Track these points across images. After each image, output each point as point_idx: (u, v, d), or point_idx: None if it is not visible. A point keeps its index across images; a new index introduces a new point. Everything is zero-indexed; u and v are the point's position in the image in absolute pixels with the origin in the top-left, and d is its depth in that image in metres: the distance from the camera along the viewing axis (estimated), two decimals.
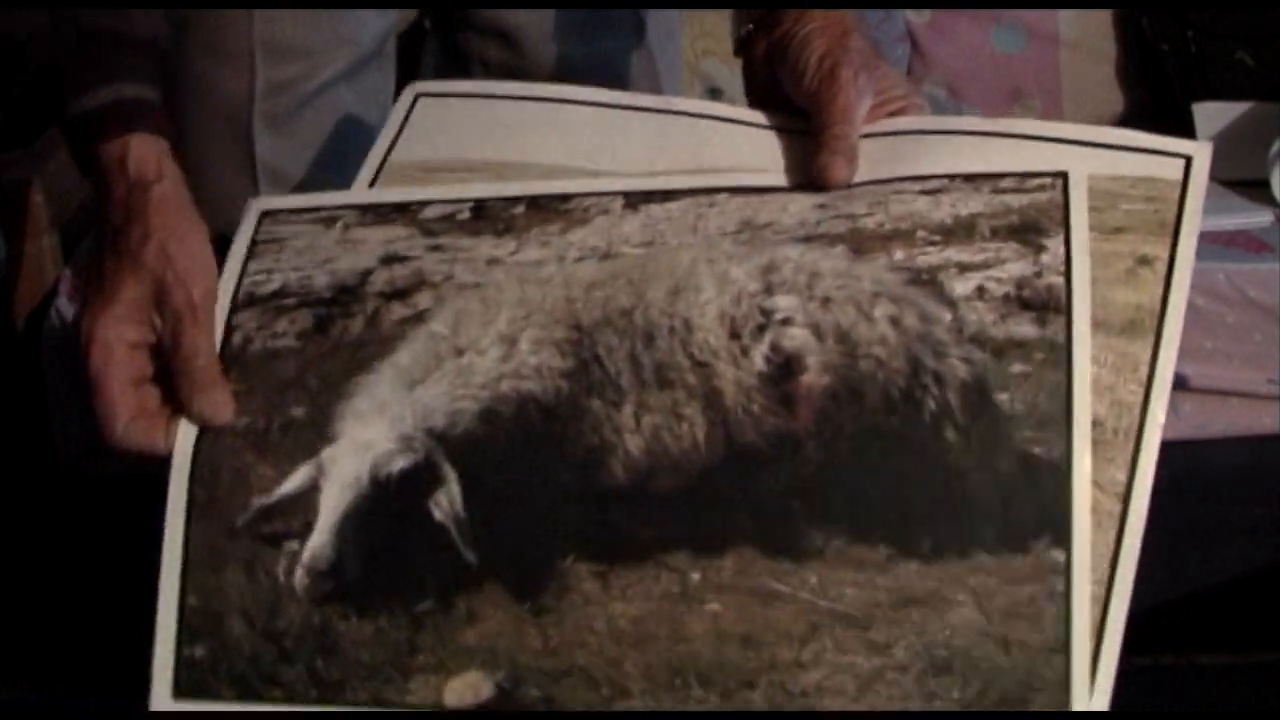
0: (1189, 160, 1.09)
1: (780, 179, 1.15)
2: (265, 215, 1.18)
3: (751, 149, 1.18)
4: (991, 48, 3.51)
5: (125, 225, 1.12)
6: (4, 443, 1.97)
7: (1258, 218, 2.88)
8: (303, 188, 1.58)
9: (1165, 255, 1.05)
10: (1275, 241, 2.80)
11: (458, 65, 1.74)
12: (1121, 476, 1.01)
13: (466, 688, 1.01)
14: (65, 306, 2.25)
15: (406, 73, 3.13)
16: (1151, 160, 1.09)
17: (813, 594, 1.01)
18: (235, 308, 1.13)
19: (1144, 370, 1.03)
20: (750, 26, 1.24)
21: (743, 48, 1.25)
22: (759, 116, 1.21)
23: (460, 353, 1.07)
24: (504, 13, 1.68)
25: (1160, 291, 1.04)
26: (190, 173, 1.61)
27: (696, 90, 3.36)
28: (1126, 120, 3.48)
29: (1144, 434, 1.02)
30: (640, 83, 1.71)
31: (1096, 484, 1.01)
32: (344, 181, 1.61)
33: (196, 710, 1.03)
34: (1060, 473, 1.01)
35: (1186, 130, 3.21)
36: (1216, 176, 3.18)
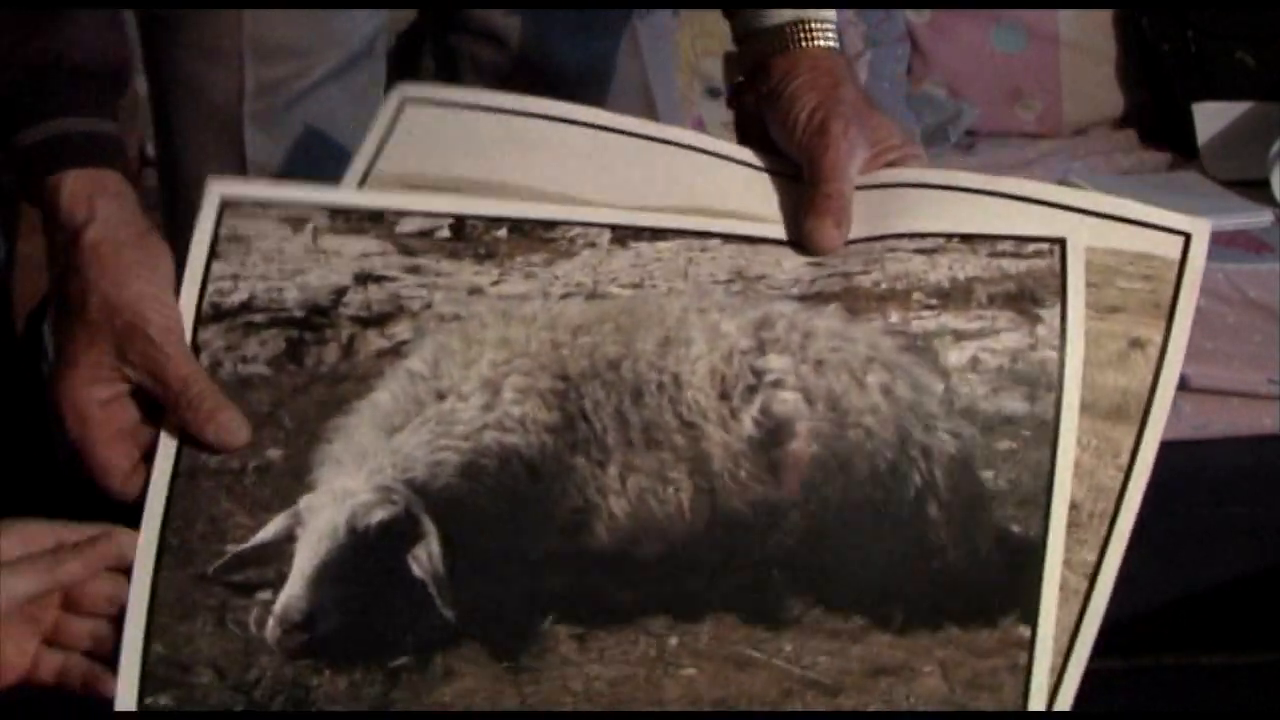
0: (1188, 238, 1.07)
1: (773, 229, 1.12)
2: (227, 206, 1.11)
3: (745, 191, 1.16)
4: (991, 48, 3.49)
5: (65, 279, 1.08)
6: (4, 443, 1.97)
7: (1258, 218, 2.89)
8: None
9: (1158, 339, 1.05)
10: (1275, 241, 2.81)
11: (451, 66, 1.73)
12: (1091, 558, 1.03)
13: None
14: None
15: (407, 73, 3.13)
16: (1150, 235, 1.08)
17: (787, 661, 1.01)
18: (200, 319, 1.09)
19: (1125, 456, 1.04)
20: (740, 79, 1.21)
21: (735, 99, 1.22)
22: (753, 156, 1.17)
23: (441, 396, 1.05)
24: (494, 14, 1.66)
25: (1150, 378, 1.05)
26: (181, 173, 1.59)
27: (696, 90, 3.33)
28: (1126, 120, 3.47)
29: (1118, 519, 1.03)
30: (630, 84, 1.68)
31: (1067, 564, 1.02)
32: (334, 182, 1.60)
33: None
34: (1035, 551, 1.02)
35: (1187, 130, 3.20)
36: (1216, 176, 3.18)
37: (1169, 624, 2.59)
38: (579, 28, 1.65)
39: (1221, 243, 2.79)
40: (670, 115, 1.72)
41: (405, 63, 3.14)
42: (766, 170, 1.17)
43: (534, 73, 1.64)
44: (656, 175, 1.15)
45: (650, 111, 1.67)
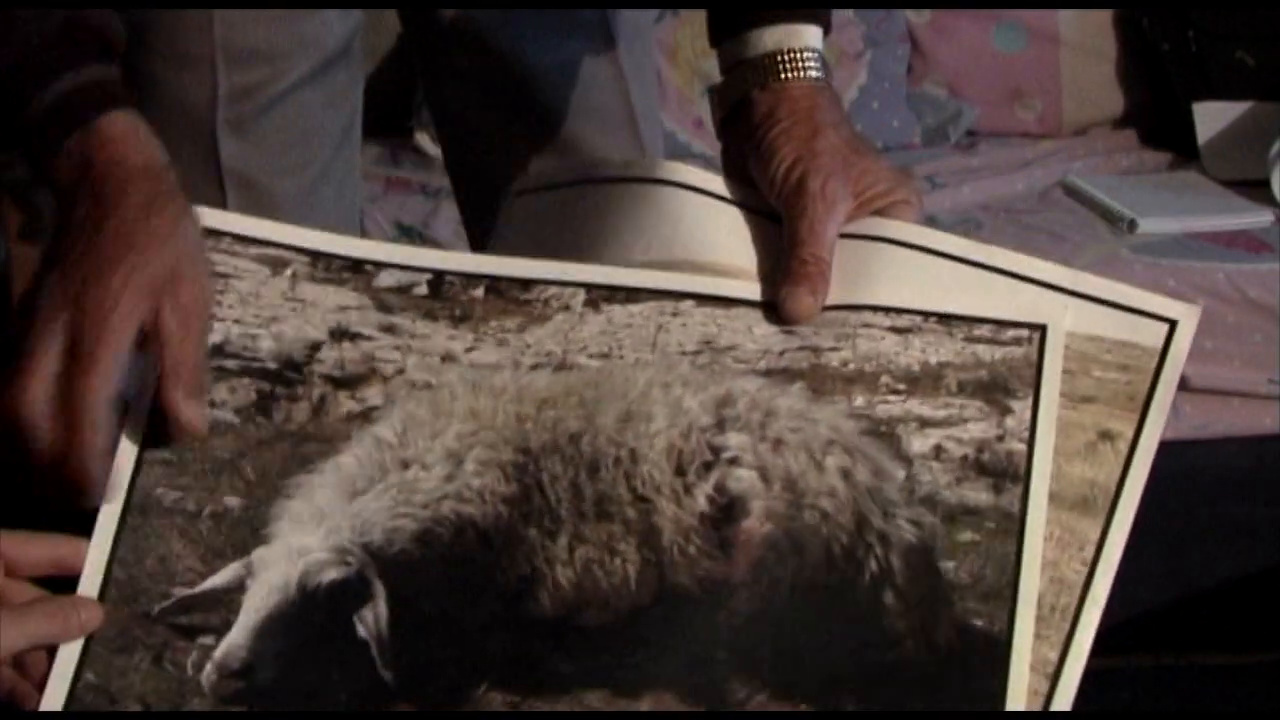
0: (1173, 326, 1.05)
1: (750, 289, 1.11)
2: (209, 235, 1.12)
3: (730, 236, 1.15)
4: (992, 48, 3.50)
5: (152, 202, 1.09)
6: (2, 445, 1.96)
7: (1258, 218, 2.89)
8: (271, 193, 1.56)
9: (1129, 434, 1.03)
10: (1275, 241, 2.81)
11: (433, 75, 1.72)
12: (1053, 656, 0.98)
13: None
14: None
15: (408, 75, 3.11)
16: (1134, 322, 1.06)
17: None
18: None
19: (1090, 549, 1.00)
20: (722, 115, 1.20)
21: (721, 133, 1.22)
22: (743, 194, 1.17)
23: (405, 465, 1.05)
24: (469, 19, 1.65)
25: (1118, 471, 1.02)
26: None
27: (696, 89, 3.35)
28: (1126, 120, 3.47)
29: (1081, 615, 0.99)
30: (606, 86, 1.68)
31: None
32: (313, 185, 1.59)
33: None
34: (1000, 648, 0.98)
35: (1186, 130, 3.20)
36: (1217, 176, 3.19)
37: (1169, 624, 2.57)
38: (556, 32, 1.64)
39: (1221, 243, 2.78)
40: (649, 115, 1.70)
41: (405, 65, 3.13)
42: (755, 210, 1.16)
43: (508, 74, 1.63)
44: (646, 222, 1.16)
45: (627, 109, 1.65)
